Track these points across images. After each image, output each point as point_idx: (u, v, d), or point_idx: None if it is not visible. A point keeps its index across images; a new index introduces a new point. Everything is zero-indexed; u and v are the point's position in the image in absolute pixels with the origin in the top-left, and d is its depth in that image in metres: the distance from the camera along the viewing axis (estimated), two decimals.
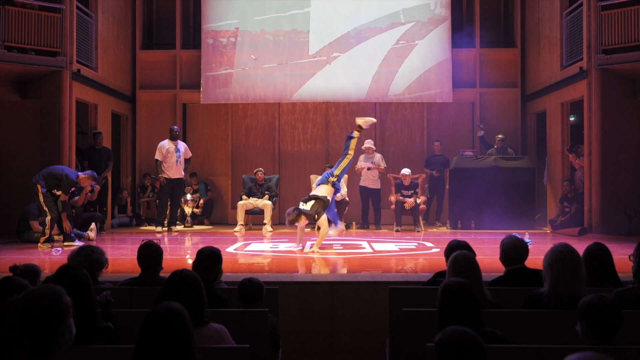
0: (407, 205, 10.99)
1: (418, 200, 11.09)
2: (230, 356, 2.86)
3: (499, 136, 11.91)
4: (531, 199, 11.52)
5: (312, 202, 7.82)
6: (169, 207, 11.02)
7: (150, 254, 4.17)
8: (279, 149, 13.14)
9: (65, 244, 8.46)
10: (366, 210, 11.75)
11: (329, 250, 8.13)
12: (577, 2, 10.68)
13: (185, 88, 13.02)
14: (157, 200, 11.75)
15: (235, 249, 8.44)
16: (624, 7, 9.85)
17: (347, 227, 11.39)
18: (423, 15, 12.71)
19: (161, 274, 4.20)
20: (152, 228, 11.26)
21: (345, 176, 10.58)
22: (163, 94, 13.02)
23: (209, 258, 4.07)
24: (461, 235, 9.26)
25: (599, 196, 10.18)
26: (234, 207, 11.90)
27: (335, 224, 8.38)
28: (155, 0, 13.47)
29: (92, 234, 9.16)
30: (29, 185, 8.57)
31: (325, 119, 13.19)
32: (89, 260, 3.94)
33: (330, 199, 8.09)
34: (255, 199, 11.22)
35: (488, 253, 6.92)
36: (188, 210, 12.00)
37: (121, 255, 7.71)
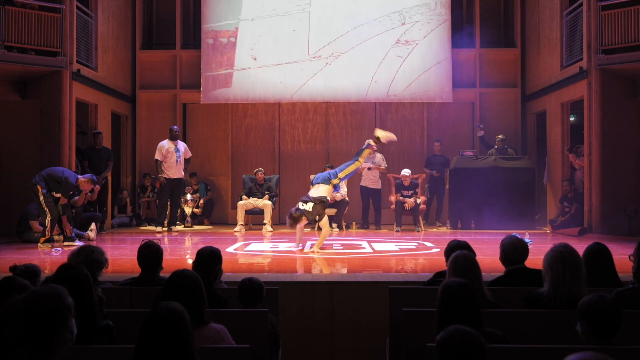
0: (407, 206, 11.00)
1: (418, 201, 11.09)
2: (230, 356, 2.86)
3: (500, 136, 11.91)
4: (531, 199, 11.51)
5: (312, 204, 7.82)
6: (168, 207, 11.02)
7: (150, 254, 4.17)
8: (279, 149, 13.14)
9: (66, 244, 8.47)
10: (366, 210, 11.75)
11: (329, 250, 8.13)
12: (577, 2, 10.68)
13: (185, 88, 13.02)
14: (157, 200, 11.75)
15: (235, 249, 8.44)
16: (624, 7, 9.85)
17: (347, 227, 11.41)
18: (423, 15, 12.71)
19: (161, 274, 4.20)
20: (152, 228, 11.26)
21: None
22: (163, 94, 13.02)
23: (209, 258, 4.07)
24: (461, 235, 9.26)
25: (599, 196, 10.18)
26: (234, 207, 11.90)
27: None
28: (155, 0, 13.47)
29: (92, 234, 9.16)
30: (28, 185, 8.58)
31: (325, 119, 13.19)
32: (89, 260, 3.94)
33: (329, 199, 8.15)
34: (255, 199, 11.22)
35: (488, 253, 6.92)
36: (188, 210, 12.00)
37: (121, 255, 7.71)
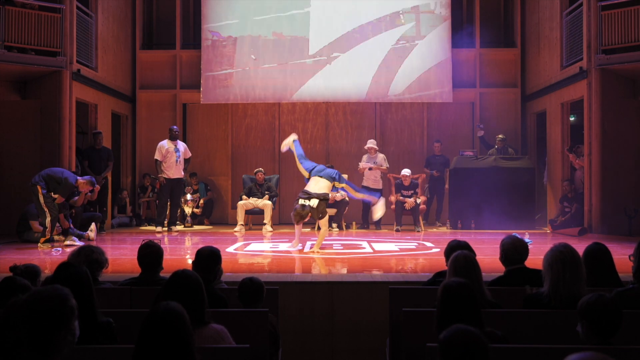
0: (407, 206, 11.00)
1: (418, 200, 11.10)
2: (230, 356, 2.86)
3: (500, 136, 11.91)
4: (531, 199, 11.52)
5: (318, 201, 7.78)
6: (168, 207, 11.02)
7: (150, 254, 4.17)
8: (279, 149, 13.12)
9: (66, 243, 8.47)
10: (367, 210, 11.74)
11: (329, 250, 8.13)
12: (577, 2, 10.68)
13: (185, 88, 13.02)
14: (157, 200, 11.75)
15: (235, 249, 8.44)
16: (624, 7, 9.85)
17: (347, 227, 11.41)
18: (423, 15, 12.71)
19: (161, 274, 4.20)
20: (152, 228, 11.26)
21: (346, 176, 10.58)
22: (163, 94, 13.02)
23: (209, 258, 4.07)
24: (461, 235, 9.26)
25: (599, 196, 10.18)
26: (234, 207, 11.90)
27: (377, 197, 8.68)
28: (155, 0, 13.47)
29: (92, 234, 9.15)
30: (28, 186, 8.57)
31: (325, 119, 13.19)
32: (89, 260, 3.94)
33: (329, 195, 8.18)
34: (255, 199, 11.22)
35: (488, 253, 6.91)
36: (188, 210, 12.00)
37: (121, 255, 7.71)
